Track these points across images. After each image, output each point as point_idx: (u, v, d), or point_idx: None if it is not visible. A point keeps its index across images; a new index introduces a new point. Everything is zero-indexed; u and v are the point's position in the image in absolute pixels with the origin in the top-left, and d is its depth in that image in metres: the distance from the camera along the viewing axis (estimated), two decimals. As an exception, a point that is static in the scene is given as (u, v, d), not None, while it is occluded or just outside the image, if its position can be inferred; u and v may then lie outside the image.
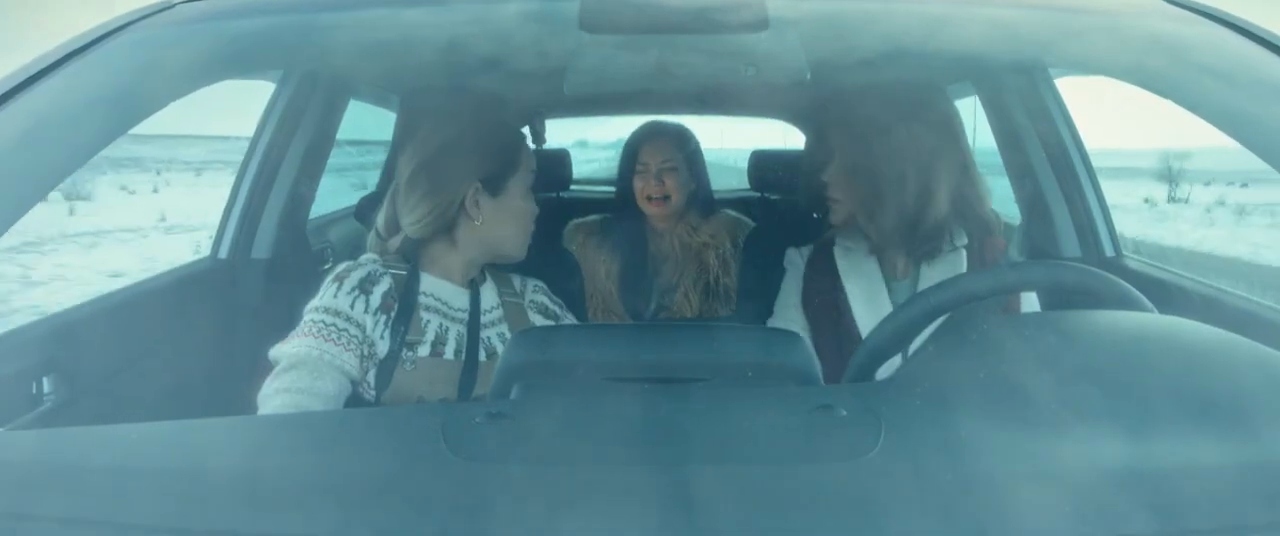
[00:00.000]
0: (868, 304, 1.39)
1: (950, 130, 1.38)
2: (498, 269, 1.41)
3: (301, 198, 2.11)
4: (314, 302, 1.25)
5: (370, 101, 2.46)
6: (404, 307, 1.26)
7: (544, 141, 2.54)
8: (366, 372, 1.23)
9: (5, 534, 0.57)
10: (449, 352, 1.27)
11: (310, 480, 0.62)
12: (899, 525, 0.57)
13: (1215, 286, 1.69)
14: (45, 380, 1.35)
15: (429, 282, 1.31)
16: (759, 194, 2.80)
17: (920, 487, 0.59)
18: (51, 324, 1.44)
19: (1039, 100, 1.98)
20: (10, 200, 0.86)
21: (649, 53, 1.70)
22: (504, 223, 1.32)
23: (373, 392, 1.23)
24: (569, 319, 1.46)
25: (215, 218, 2.12)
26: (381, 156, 2.30)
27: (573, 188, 2.81)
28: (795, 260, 1.51)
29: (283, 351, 1.21)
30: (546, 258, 1.46)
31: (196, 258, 2.08)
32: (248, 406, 1.22)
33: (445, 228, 1.31)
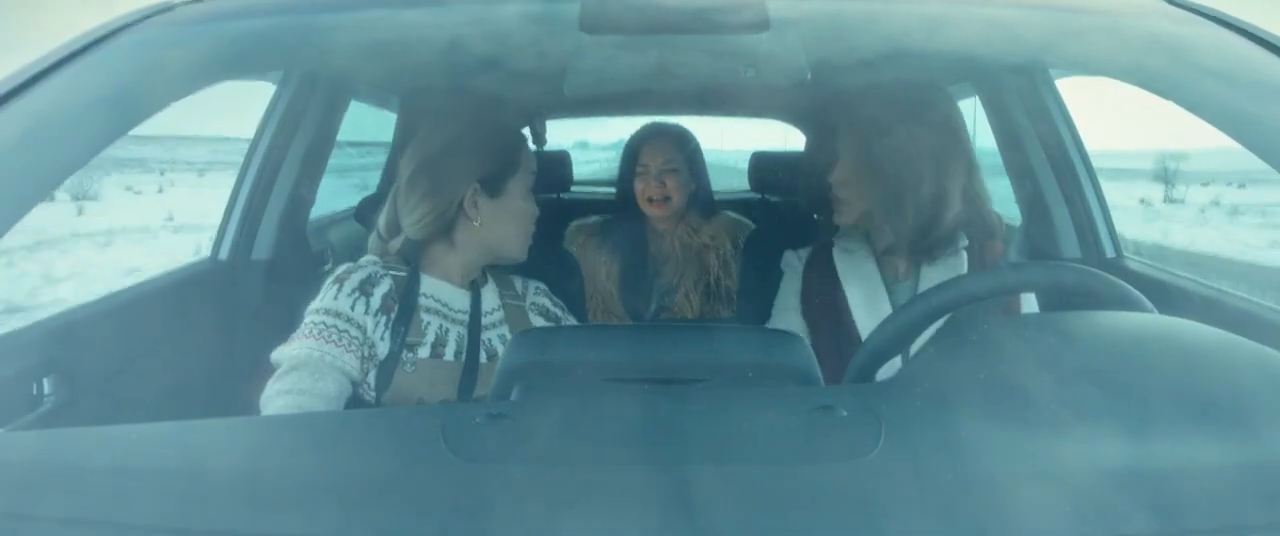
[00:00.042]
0: (867, 306, 1.39)
1: (958, 130, 1.38)
2: (499, 270, 1.40)
3: (302, 199, 2.11)
4: (315, 304, 1.25)
5: (370, 102, 2.46)
6: (404, 309, 1.27)
7: (544, 142, 2.54)
8: (367, 374, 1.23)
9: (5, 534, 0.57)
10: (449, 354, 1.27)
11: (310, 481, 0.62)
12: (899, 525, 0.57)
13: (1215, 287, 1.69)
14: (45, 381, 1.35)
15: (429, 284, 1.31)
16: (759, 195, 2.80)
17: (921, 488, 0.59)
18: (51, 325, 1.44)
19: (1039, 101, 1.98)
20: (11, 200, 0.86)
21: (649, 53, 1.70)
22: (503, 224, 1.32)
23: (373, 394, 1.23)
24: (570, 321, 1.46)
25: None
26: (381, 157, 2.30)
27: (573, 189, 2.81)
28: (793, 263, 1.50)
29: (284, 354, 1.21)
30: (547, 258, 1.46)
31: (197, 258, 2.08)
32: (248, 407, 1.22)
33: (445, 229, 1.31)
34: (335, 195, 2.50)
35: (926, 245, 1.37)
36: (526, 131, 2.27)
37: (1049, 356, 0.73)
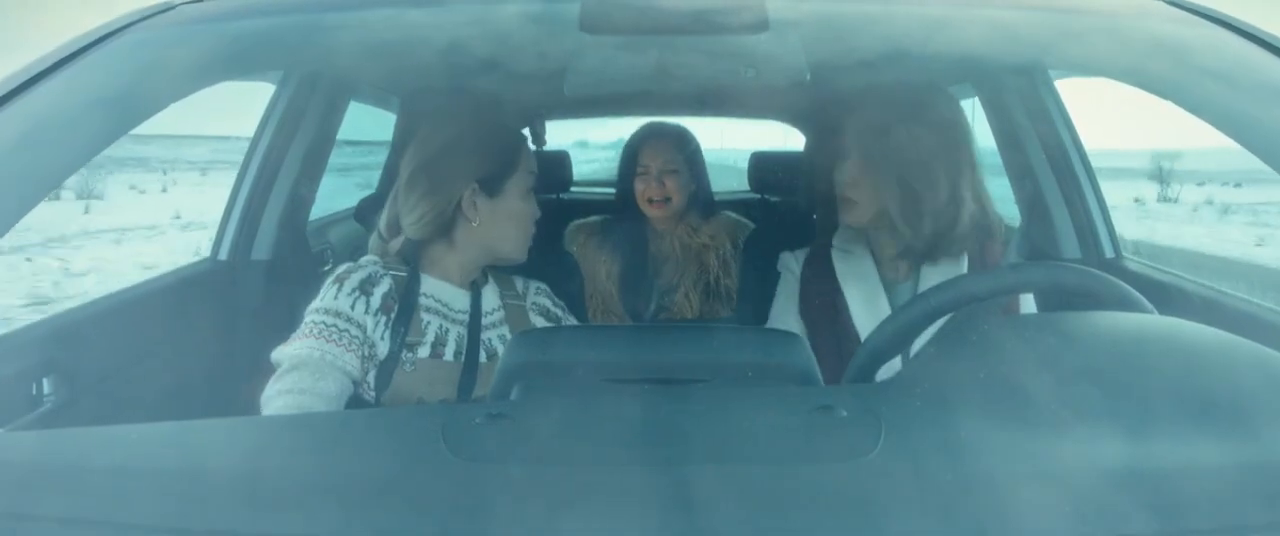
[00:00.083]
0: (866, 307, 1.39)
1: (966, 130, 1.38)
2: (500, 270, 1.40)
3: (301, 199, 2.11)
4: (315, 304, 1.25)
5: (370, 102, 2.46)
6: (404, 309, 1.27)
7: (544, 143, 2.54)
8: (367, 374, 1.23)
9: (5, 534, 0.57)
10: (449, 354, 1.27)
11: (310, 480, 0.62)
12: (899, 525, 0.57)
13: (1215, 288, 1.69)
14: (45, 381, 1.35)
15: (429, 284, 1.31)
16: (759, 195, 2.80)
17: (920, 488, 0.59)
18: (51, 325, 1.44)
19: (1039, 102, 1.98)
20: (12, 200, 0.86)
21: (649, 54, 1.70)
22: (502, 224, 1.32)
23: (372, 393, 1.23)
24: (571, 321, 1.46)
25: (226, 216, 2.13)
26: (381, 157, 2.30)
27: (573, 189, 2.81)
28: (790, 264, 1.49)
29: (284, 353, 1.21)
30: (547, 259, 1.46)
31: (197, 259, 2.08)
32: (248, 407, 1.22)
33: (443, 229, 1.31)
34: (335, 195, 2.50)
35: (944, 245, 1.36)
36: (526, 132, 2.28)
37: (1049, 357, 0.73)
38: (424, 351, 1.26)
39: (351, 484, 0.61)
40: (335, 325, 1.22)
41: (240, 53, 1.21)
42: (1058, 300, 1.02)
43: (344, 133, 2.29)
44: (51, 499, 0.60)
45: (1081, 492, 0.58)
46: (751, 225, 1.98)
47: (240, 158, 2.15)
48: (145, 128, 1.06)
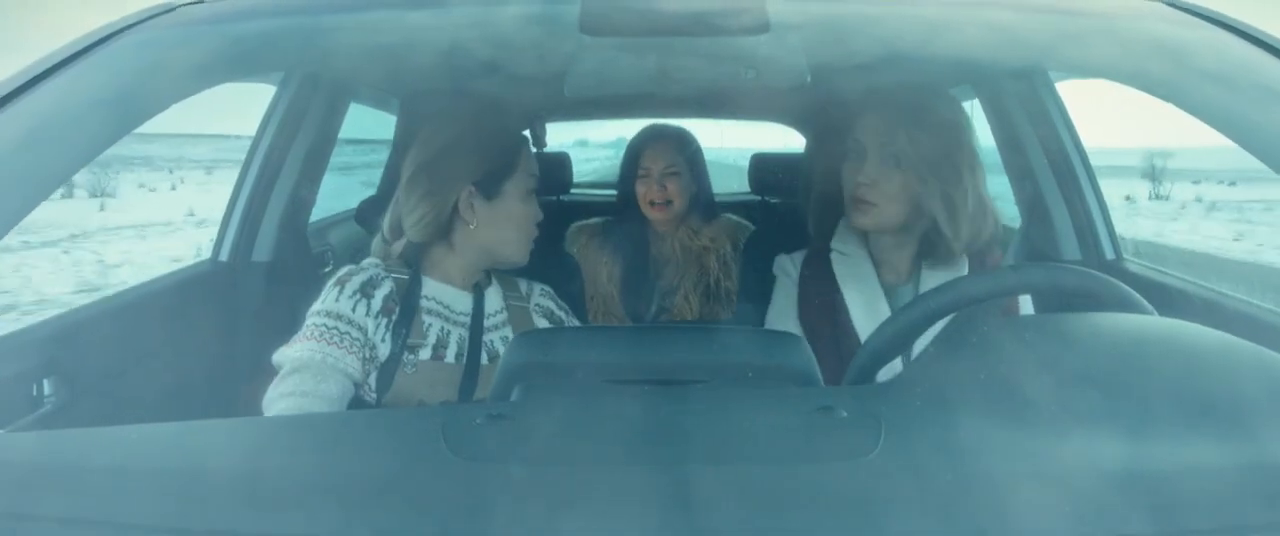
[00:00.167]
0: (866, 310, 1.38)
1: (973, 132, 1.38)
2: (503, 273, 1.40)
3: (302, 200, 2.11)
4: (316, 306, 1.26)
5: (371, 104, 2.46)
6: (405, 311, 1.27)
7: (544, 144, 2.53)
8: (368, 375, 1.23)
9: (5, 534, 0.57)
10: (450, 356, 1.27)
11: (311, 481, 0.62)
12: (899, 526, 0.57)
13: (1215, 289, 1.69)
14: (46, 382, 1.35)
15: (431, 287, 1.32)
16: (759, 197, 2.80)
17: (920, 489, 0.59)
18: (52, 326, 1.44)
19: (1039, 103, 1.98)
20: (13, 201, 0.86)
21: (649, 56, 1.70)
22: (501, 226, 1.32)
23: (373, 395, 1.23)
24: (574, 324, 1.45)
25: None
26: (382, 155, 2.30)
27: (573, 191, 2.81)
28: (787, 268, 1.47)
29: (286, 356, 1.21)
30: (547, 261, 1.46)
31: (197, 260, 2.08)
32: (248, 407, 1.22)
33: (442, 231, 1.31)
34: (335, 197, 2.50)
35: (977, 248, 1.35)
36: (526, 134, 2.27)
37: (1049, 358, 0.73)
38: (425, 353, 1.26)
39: (352, 484, 0.61)
40: (336, 328, 1.22)
41: (241, 54, 1.21)
42: (1057, 301, 1.02)
43: (344, 134, 2.29)
44: (51, 499, 0.60)
45: (1081, 493, 0.58)
46: (751, 227, 1.98)
47: (242, 157, 2.16)
48: (150, 126, 1.07)
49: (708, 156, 2.02)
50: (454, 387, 1.25)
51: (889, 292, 1.40)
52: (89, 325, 1.51)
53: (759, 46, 1.45)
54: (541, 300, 1.41)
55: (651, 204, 1.89)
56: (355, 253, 2.10)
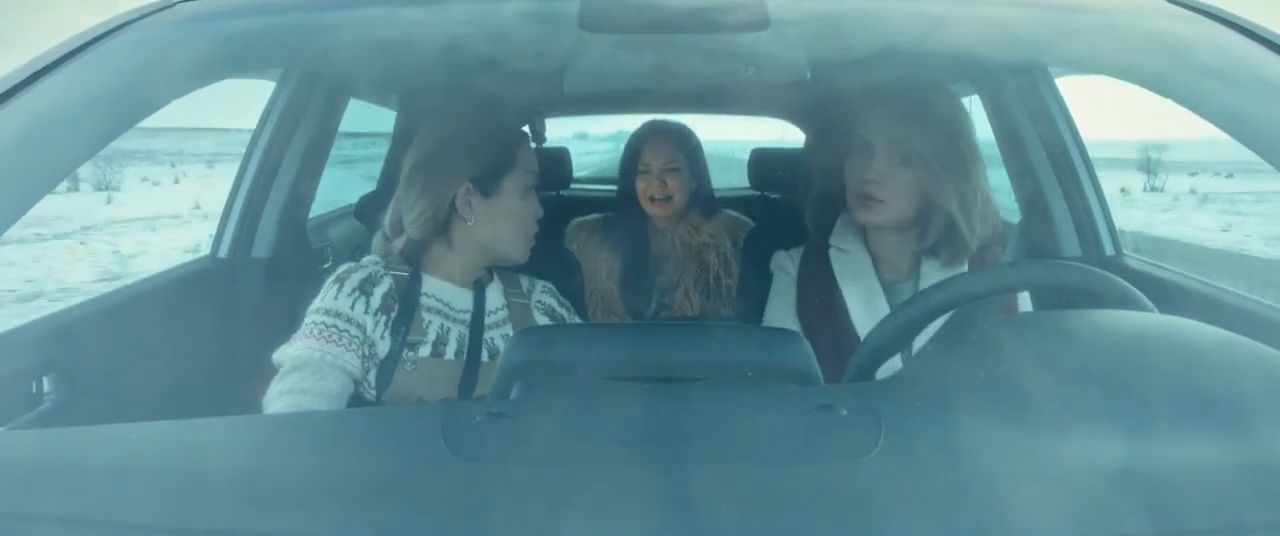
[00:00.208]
0: (865, 306, 1.37)
1: (973, 128, 1.37)
2: (505, 270, 1.40)
3: (301, 197, 2.11)
4: (315, 304, 1.26)
5: (370, 100, 2.46)
6: (405, 308, 1.27)
7: (544, 140, 2.53)
8: (367, 373, 1.23)
9: (5, 534, 0.57)
10: (450, 353, 1.27)
11: (310, 480, 0.62)
12: (899, 525, 0.57)
13: (1216, 286, 1.69)
14: (45, 380, 1.35)
15: (431, 284, 1.31)
16: (759, 192, 2.80)
17: (920, 487, 0.59)
18: (51, 324, 1.44)
19: (1039, 99, 1.98)
20: (11, 198, 0.86)
21: (649, 52, 1.70)
22: (499, 223, 1.31)
23: (373, 393, 1.23)
24: (575, 321, 1.45)
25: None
26: (382, 149, 2.30)
27: (573, 186, 2.81)
28: (785, 264, 1.47)
29: (286, 354, 1.21)
30: (547, 257, 1.46)
31: (196, 256, 2.08)
32: (248, 405, 1.22)
33: (441, 228, 1.31)
34: (337, 190, 2.50)
35: (988, 246, 1.34)
36: (526, 129, 2.27)
37: (1049, 356, 0.73)
38: (425, 350, 1.25)
39: (351, 483, 0.61)
40: (335, 325, 1.22)
41: (240, 50, 1.21)
42: (1058, 298, 1.02)
43: (344, 130, 2.29)
44: (51, 498, 0.60)
45: (1081, 492, 0.58)
46: (751, 223, 1.98)
47: (242, 152, 2.15)
48: (150, 122, 1.06)
49: (707, 149, 2.01)
50: (454, 385, 1.25)
51: (888, 289, 1.39)
52: (88, 322, 1.51)
53: (759, 42, 1.45)
54: (543, 297, 1.41)
55: (651, 200, 1.89)
56: (355, 248, 2.10)
